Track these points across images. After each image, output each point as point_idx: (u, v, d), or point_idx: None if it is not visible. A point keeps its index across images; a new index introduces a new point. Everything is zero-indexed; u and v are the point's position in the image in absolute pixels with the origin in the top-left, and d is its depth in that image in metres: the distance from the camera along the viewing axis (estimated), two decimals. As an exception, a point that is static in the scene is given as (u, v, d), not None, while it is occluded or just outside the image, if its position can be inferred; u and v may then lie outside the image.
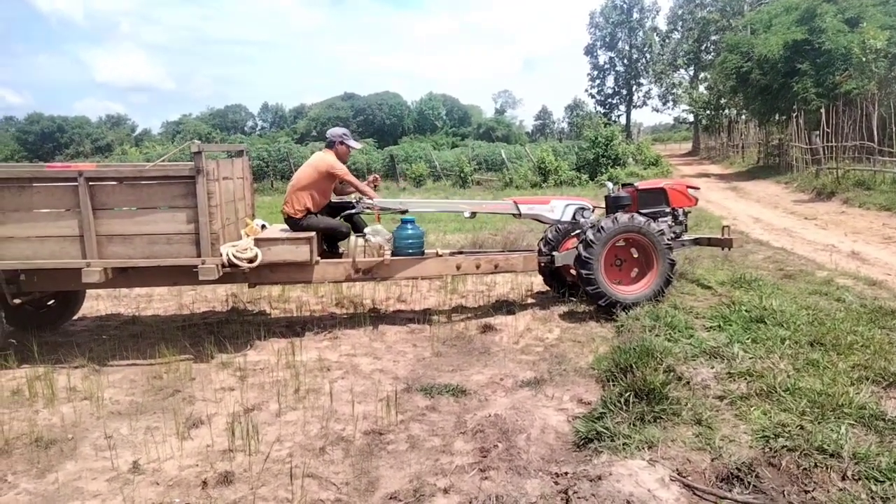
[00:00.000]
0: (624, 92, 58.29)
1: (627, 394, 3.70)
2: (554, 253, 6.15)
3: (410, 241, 5.88)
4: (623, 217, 5.78)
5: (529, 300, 6.63)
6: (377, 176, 6.47)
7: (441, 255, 5.95)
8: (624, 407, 3.60)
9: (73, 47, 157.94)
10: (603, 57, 58.61)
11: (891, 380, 3.83)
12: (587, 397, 4.06)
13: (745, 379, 4.01)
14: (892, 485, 2.77)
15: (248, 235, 5.44)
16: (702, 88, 46.70)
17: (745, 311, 5.24)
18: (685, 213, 6.65)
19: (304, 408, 4.02)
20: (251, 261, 5.14)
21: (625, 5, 56.29)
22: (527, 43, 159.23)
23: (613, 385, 3.99)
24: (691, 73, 50.88)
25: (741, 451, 3.17)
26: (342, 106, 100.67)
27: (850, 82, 19.32)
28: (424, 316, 6.09)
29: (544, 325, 5.74)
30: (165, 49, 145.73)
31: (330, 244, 6.01)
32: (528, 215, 6.41)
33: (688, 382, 4.01)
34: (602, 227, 5.70)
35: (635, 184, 6.69)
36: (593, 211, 6.43)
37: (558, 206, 6.39)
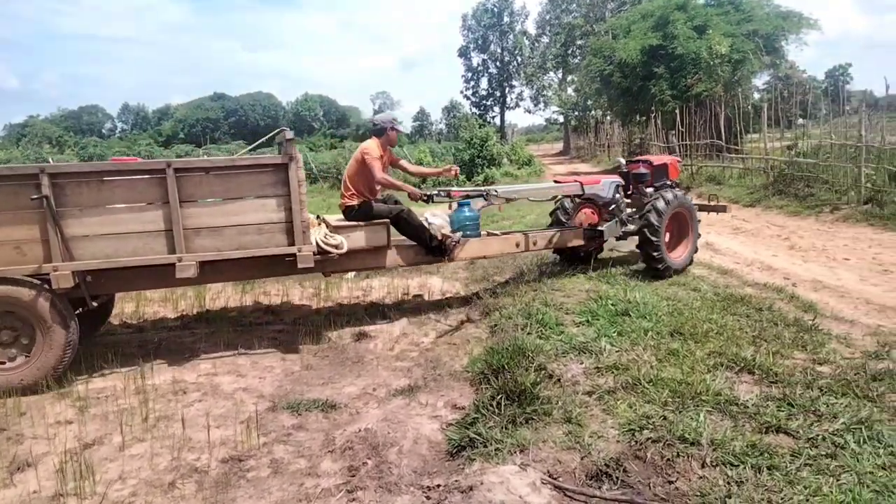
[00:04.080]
0: (497, 94, 59.86)
1: (499, 396, 3.64)
2: (602, 227, 6.63)
3: (468, 222, 6.02)
4: (671, 193, 6.51)
5: (405, 305, 6.50)
6: (456, 168, 6.39)
7: (498, 235, 6.25)
8: (496, 410, 3.55)
9: None
10: (476, 59, 59.89)
11: (742, 365, 4.03)
12: (461, 402, 3.97)
13: (612, 372, 4.08)
14: (744, 468, 2.87)
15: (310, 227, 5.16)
16: (570, 90, 48.94)
17: (612, 304, 5.39)
18: (676, 185, 7.42)
19: (153, 438, 3.64)
20: (337, 247, 5.22)
21: (495, 9, 57.81)
22: (403, 43, 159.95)
23: (486, 388, 3.93)
24: (560, 75, 53.13)
25: (609, 446, 3.19)
26: (212, 106, 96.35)
27: (700, 85, 20.84)
28: (295, 326, 5.78)
29: (420, 329, 5.62)
30: (7, 43, 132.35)
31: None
32: (589, 194, 6.72)
33: (559, 380, 4.03)
34: (668, 200, 6.38)
35: (650, 160, 7.26)
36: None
37: (607, 184, 6.79)
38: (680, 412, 3.43)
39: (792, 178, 13.08)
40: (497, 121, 57.87)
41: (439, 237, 5.81)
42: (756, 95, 24.32)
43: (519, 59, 58.12)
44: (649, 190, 7.00)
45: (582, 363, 4.30)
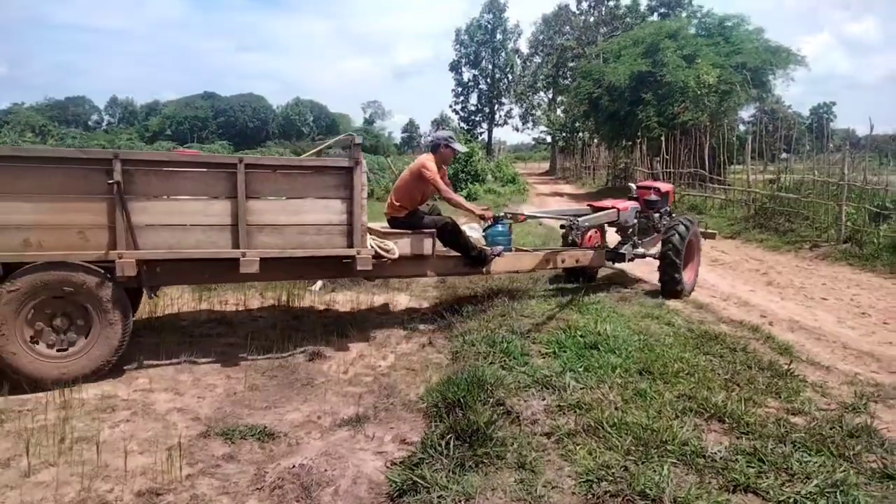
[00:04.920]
0: (487, 110, 59.95)
1: (449, 436, 3.35)
2: (623, 249, 7.05)
3: (500, 237, 6.25)
4: (686, 222, 6.92)
5: (367, 323, 6.18)
6: (491, 213, 6.42)
7: (528, 251, 6.60)
8: (444, 451, 3.25)
9: None
10: (467, 74, 59.99)
11: (712, 411, 3.78)
12: (411, 436, 3.68)
13: (575, 412, 3.82)
14: (709, 534, 2.61)
15: None
16: (559, 111, 49.10)
17: (580, 336, 5.13)
18: (672, 211, 8.02)
19: (67, 463, 3.29)
20: (389, 253, 5.38)
21: (489, 26, 58.03)
22: (397, 54, 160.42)
23: (437, 424, 3.64)
24: (550, 96, 53.33)
25: (563, 499, 2.93)
26: (201, 105, 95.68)
27: (686, 114, 20.88)
28: (247, 340, 5.45)
29: (378, 351, 5.32)
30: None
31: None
32: (623, 218, 7.08)
33: (517, 417, 3.76)
34: (682, 234, 6.73)
35: (658, 187, 7.69)
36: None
37: (632, 210, 7.21)
38: (643, 463, 3.17)
39: (773, 212, 13.01)
40: (485, 137, 57.91)
41: (478, 248, 6.00)
42: (741, 127, 24.46)
43: (510, 77, 58.33)
44: (656, 215, 7.49)
45: (544, 399, 4.03)
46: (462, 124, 59.43)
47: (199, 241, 4.59)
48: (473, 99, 60.29)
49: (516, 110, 58.38)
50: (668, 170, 19.64)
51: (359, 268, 5.03)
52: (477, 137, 50.80)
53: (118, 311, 4.43)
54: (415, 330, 5.82)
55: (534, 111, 55.04)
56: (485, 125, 60.23)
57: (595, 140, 36.80)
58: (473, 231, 6.06)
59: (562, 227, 7.40)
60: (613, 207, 6.96)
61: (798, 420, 3.76)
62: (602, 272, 8.18)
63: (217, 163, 4.78)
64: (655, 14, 40.18)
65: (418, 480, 3.02)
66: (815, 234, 11.36)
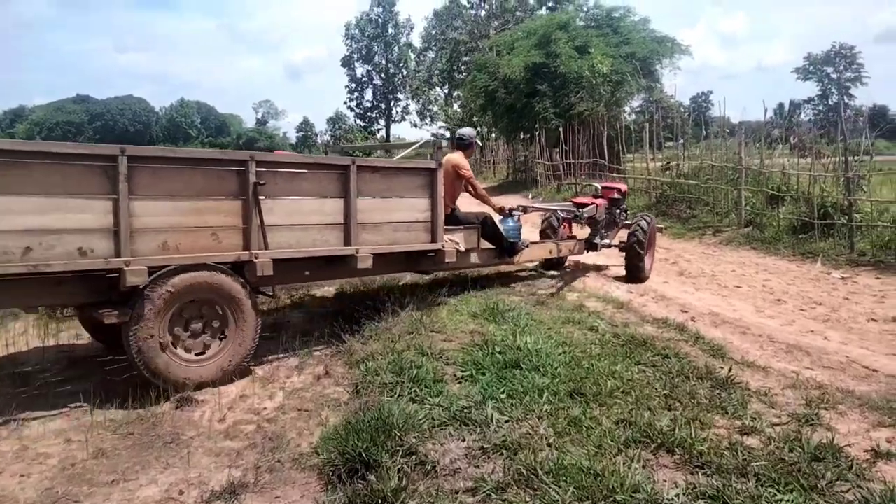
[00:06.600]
0: (383, 106, 59.03)
1: (349, 513, 2.61)
2: (595, 240, 7.90)
3: (512, 231, 6.75)
4: (646, 218, 7.81)
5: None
6: (507, 210, 7.08)
7: (536, 242, 7.32)
8: (343, 535, 2.51)
9: None
10: (360, 70, 58.83)
11: (658, 441, 3.24)
12: (302, 507, 2.90)
13: (501, 454, 3.17)
14: None
15: None
16: (456, 106, 48.93)
17: (499, 352, 4.50)
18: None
19: None
20: (458, 246, 5.82)
21: (379, 20, 57.08)
22: (289, 52, 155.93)
23: (334, 492, 2.89)
24: (446, 91, 53.12)
25: (499, 591, 2.25)
26: (74, 109, 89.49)
27: (582, 104, 20.96)
28: (105, 384, 4.43)
29: (264, 388, 4.46)
30: None
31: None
32: (599, 213, 7.82)
33: (433, 468, 3.07)
34: (644, 228, 7.55)
35: (619, 187, 8.75)
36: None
37: (604, 206, 8.03)
38: (591, 523, 2.56)
39: (674, 199, 13.06)
40: (383, 133, 56.99)
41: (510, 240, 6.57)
42: (631, 117, 24.95)
43: (404, 73, 57.67)
44: (617, 211, 8.44)
45: (464, 440, 3.37)
46: (358, 121, 58.27)
47: (315, 240, 4.78)
48: (369, 95, 59.35)
49: (413, 106, 57.86)
50: (567, 160, 19.62)
51: (446, 260, 5.63)
52: (374, 134, 49.82)
53: (251, 311, 4.46)
54: (309, 357, 5.00)
55: (431, 107, 54.64)
56: (382, 121, 59.32)
57: (493, 134, 36.71)
58: (501, 224, 6.64)
59: (543, 220, 8.26)
60: (593, 204, 7.73)
61: (753, 441, 3.29)
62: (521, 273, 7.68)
63: (333, 164, 5.03)
64: (544, 7, 40.67)
65: (308, 585, 2.26)
66: (716, 220, 11.43)
